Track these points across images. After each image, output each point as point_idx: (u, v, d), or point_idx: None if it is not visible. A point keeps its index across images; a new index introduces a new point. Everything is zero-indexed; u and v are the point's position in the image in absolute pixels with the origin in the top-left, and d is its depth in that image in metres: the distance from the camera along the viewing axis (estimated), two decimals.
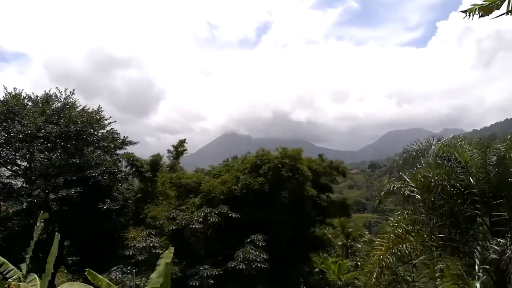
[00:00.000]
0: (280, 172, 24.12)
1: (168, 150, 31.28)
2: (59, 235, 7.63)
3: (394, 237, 10.08)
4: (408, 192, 9.93)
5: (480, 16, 5.03)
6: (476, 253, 8.02)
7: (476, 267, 7.73)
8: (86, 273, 6.45)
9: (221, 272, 20.23)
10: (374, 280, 10.27)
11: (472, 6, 5.05)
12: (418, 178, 9.61)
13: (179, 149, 30.93)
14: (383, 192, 12.28)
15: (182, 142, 31.51)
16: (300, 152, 25.52)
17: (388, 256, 10.12)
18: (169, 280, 6.43)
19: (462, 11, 5.14)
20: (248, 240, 21.23)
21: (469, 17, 5.08)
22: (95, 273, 6.43)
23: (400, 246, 10.07)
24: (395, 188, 11.59)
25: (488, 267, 7.82)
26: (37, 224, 7.80)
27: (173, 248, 7.02)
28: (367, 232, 46.60)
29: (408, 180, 9.52)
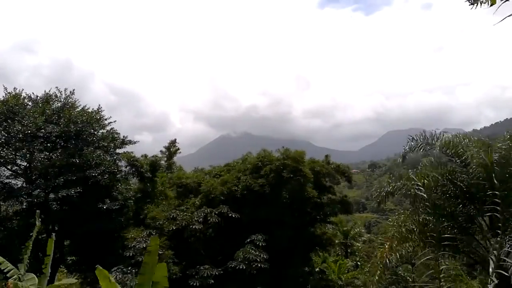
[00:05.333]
0: (281, 173, 24.11)
1: (161, 151, 31.25)
2: (54, 235, 7.61)
3: (398, 236, 10.05)
4: (414, 192, 9.84)
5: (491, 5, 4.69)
6: (492, 257, 7.78)
7: (490, 269, 7.58)
8: (96, 271, 6.15)
9: (221, 272, 20.24)
10: (377, 278, 10.27)
11: None
12: (423, 177, 9.55)
13: (171, 149, 30.88)
14: (383, 193, 12.18)
15: (173, 142, 31.51)
16: (303, 154, 25.54)
17: (392, 254, 10.08)
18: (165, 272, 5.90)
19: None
20: (248, 240, 21.24)
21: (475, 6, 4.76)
22: (105, 270, 6.06)
23: (403, 245, 10.03)
24: (395, 187, 11.53)
25: (503, 272, 7.59)
26: (36, 224, 7.79)
27: (158, 239, 6.46)
28: (363, 231, 46.51)
29: (415, 178, 9.47)
